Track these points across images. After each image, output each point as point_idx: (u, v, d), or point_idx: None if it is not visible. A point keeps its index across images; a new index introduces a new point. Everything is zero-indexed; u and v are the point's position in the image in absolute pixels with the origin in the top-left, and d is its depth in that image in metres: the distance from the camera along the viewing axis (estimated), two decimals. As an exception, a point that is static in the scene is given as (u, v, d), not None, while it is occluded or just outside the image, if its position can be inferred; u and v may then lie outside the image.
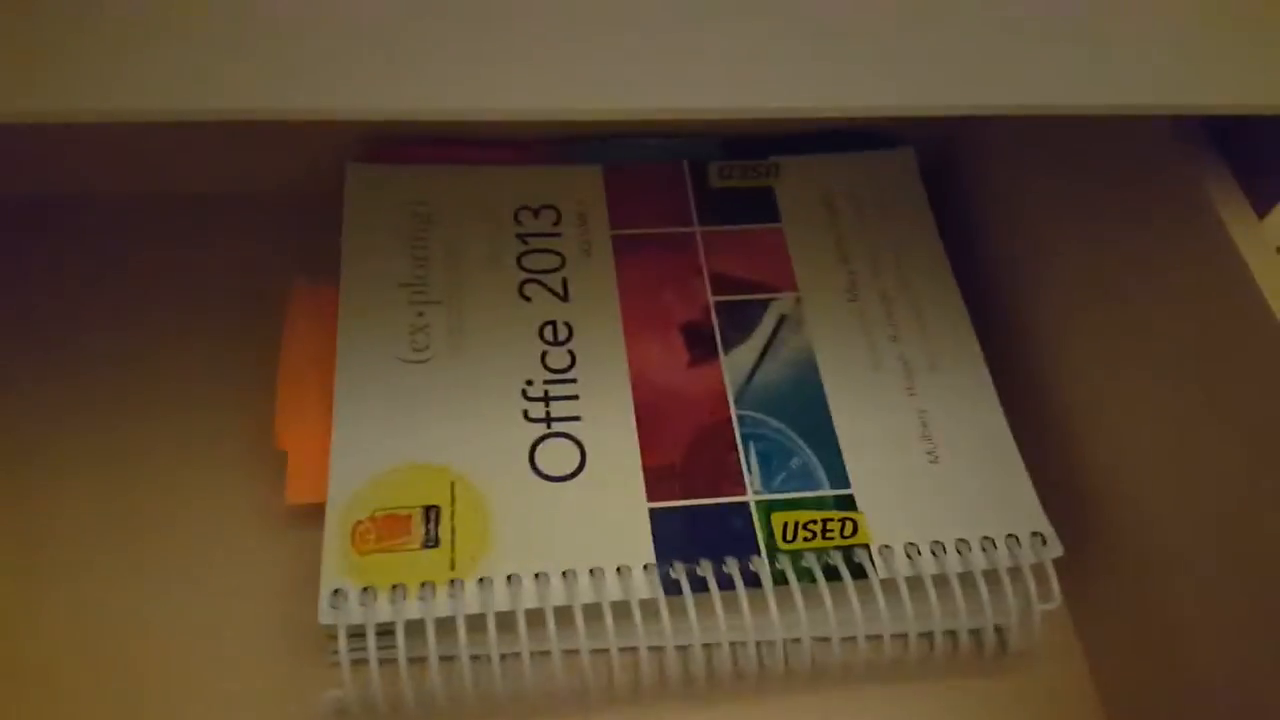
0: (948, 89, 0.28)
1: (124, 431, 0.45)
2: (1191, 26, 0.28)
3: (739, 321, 0.47)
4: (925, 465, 0.43)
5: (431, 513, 0.40)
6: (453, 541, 0.39)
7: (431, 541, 0.39)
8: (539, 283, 0.47)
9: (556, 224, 0.50)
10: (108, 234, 0.51)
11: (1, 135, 0.50)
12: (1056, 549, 0.41)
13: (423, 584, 0.38)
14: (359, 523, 0.40)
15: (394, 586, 0.38)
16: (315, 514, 0.41)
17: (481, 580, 0.38)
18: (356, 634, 0.38)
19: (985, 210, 0.52)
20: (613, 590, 0.38)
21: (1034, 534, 0.41)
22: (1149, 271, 0.39)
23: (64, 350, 0.47)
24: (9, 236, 0.51)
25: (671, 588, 0.39)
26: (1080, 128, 0.43)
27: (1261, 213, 0.36)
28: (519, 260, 0.48)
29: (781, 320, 0.47)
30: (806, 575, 0.39)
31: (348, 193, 0.49)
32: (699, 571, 0.39)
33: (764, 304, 0.47)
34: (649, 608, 0.38)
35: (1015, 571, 0.41)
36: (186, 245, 0.51)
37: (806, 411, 0.44)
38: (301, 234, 0.50)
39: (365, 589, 0.38)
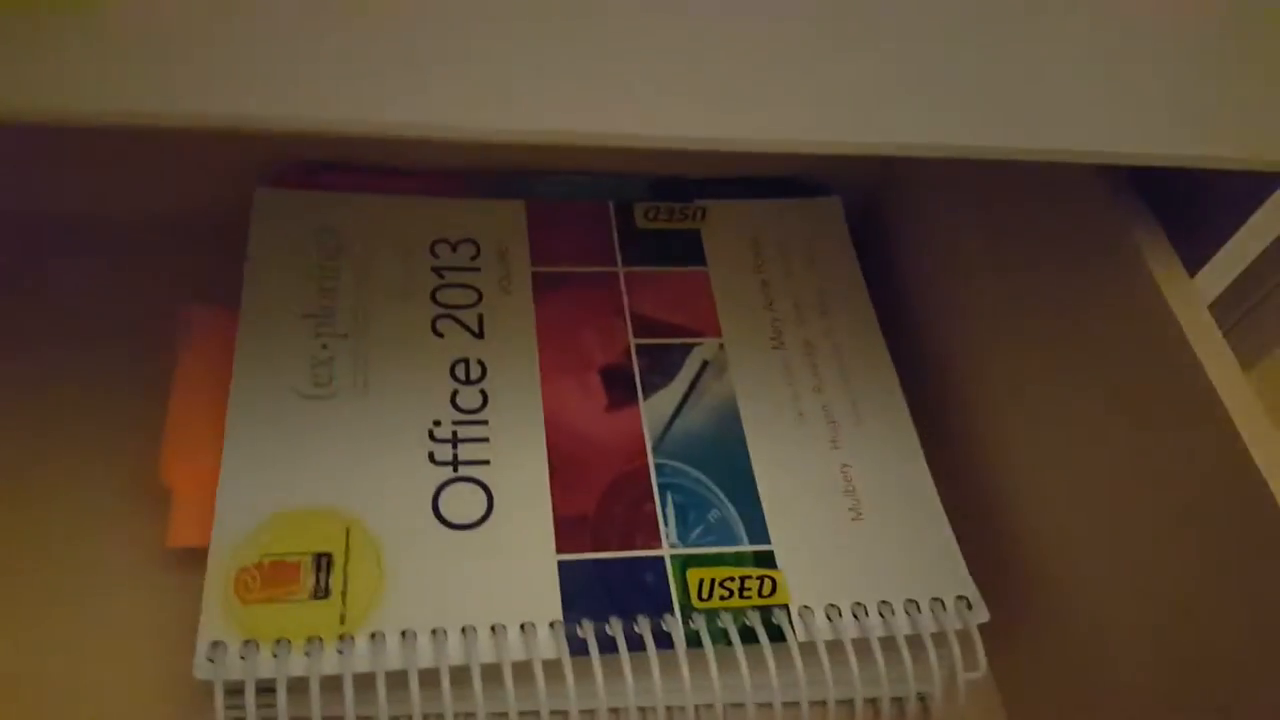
0: (867, 127, 0.27)
1: (1, 465, 0.42)
2: (1131, 74, 0.27)
3: (660, 365, 0.45)
4: (848, 522, 0.41)
5: (323, 560, 0.37)
6: (344, 592, 0.37)
7: (321, 592, 0.36)
8: (453, 318, 0.45)
9: (475, 258, 0.48)
10: None
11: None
12: (983, 614, 0.39)
13: (309, 638, 0.35)
14: (243, 569, 0.37)
15: (278, 640, 0.35)
16: (201, 558, 0.37)
17: (373, 635, 0.36)
18: (235, 690, 0.35)
19: (912, 260, 0.51)
20: (515, 649, 0.36)
21: (959, 598, 0.40)
22: (1079, 327, 0.38)
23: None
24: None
25: (578, 647, 0.36)
26: (1010, 179, 0.43)
27: (1193, 270, 0.35)
28: (433, 295, 0.46)
29: (704, 366, 0.45)
30: (722, 637, 0.37)
31: (254, 216, 0.47)
32: (608, 630, 0.37)
33: (687, 348, 0.46)
34: (553, 669, 0.36)
35: (940, 637, 0.39)
36: (77, 268, 0.48)
37: (727, 462, 0.42)
38: (202, 260, 0.47)
39: (247, 641, 0.35)
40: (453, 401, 0.42)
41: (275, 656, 0.35)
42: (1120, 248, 0.35)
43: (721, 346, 0.46)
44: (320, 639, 0.35)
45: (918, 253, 0.51)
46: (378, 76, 0.24)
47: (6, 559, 0.40)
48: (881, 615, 0.39)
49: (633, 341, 0.46)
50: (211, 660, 0.34)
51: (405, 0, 0.23)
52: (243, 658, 0.35)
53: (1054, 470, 0.40)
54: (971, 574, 0.40)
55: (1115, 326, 0.36)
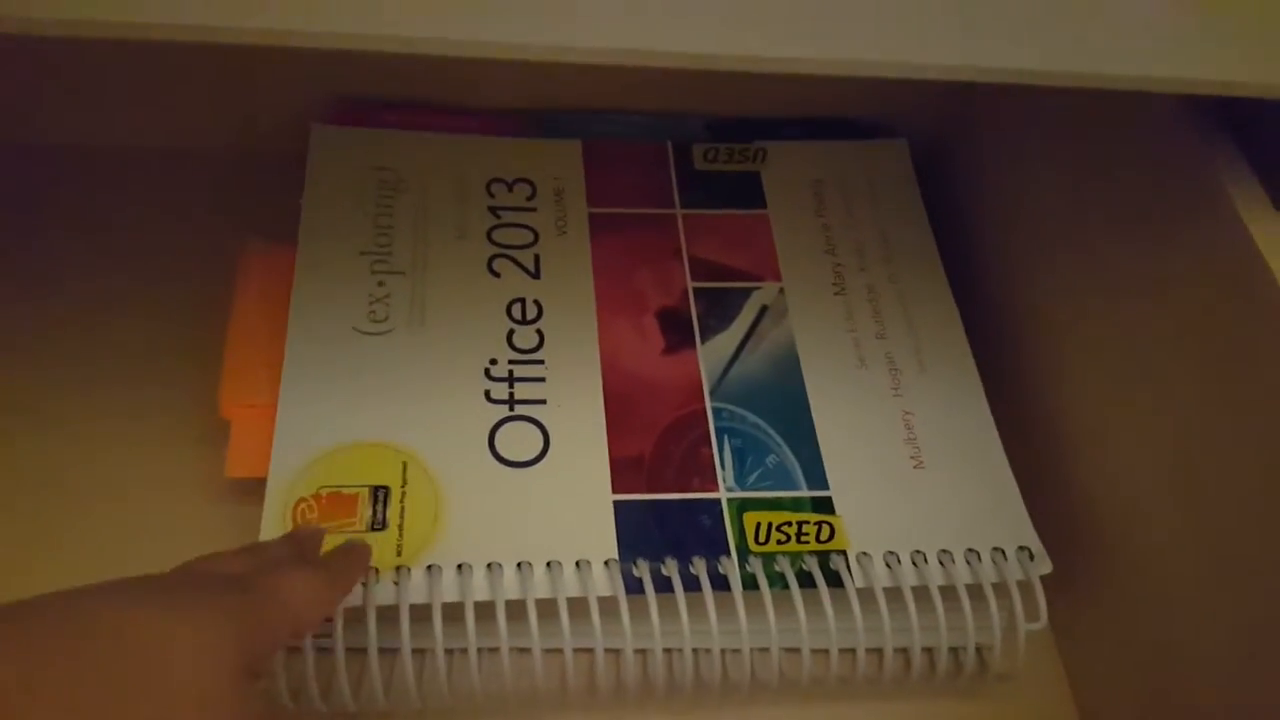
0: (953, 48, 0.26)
1: (61, 396, 0.42)
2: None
3: (718, 309, 0.44)
4: (909, 470, 0.41)
5: (380, 493, 0.37)
6: (401, 525, 0.36)
7: (379, 524, 0.36)
8: (509, 258, 0.45)
9: (531, 198, 0.47)
10: (51, 185, 0.48)
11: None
12: (1045, 565, 0.39)
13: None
14: (301, 500, 0.37)
15: None
16: (259, 489, 0.37)
17: (430, 568, 0.35)
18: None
19: (979, 205, 0.49)
20: (570, 585, 0.36)
21: (1021, 548, 0.39)
22: (1156, 270, 0.36)
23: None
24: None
25: (634, 586, 0.36)
26: (1084, 116, 0.41)
27: (1280, 207, 0.33)
28: (489, 234, 0.45)
29: (763, 310, 0.44)
30: (778, 580, 0.37)
31: (311, 153, 0.46)
32: (663, 570, 0.36)
33: (745, 292, 0.45)
34: (608, 606, 0.36)
35: (1000, 587, 0.38)
36: (137, 201, 0.48)
37: (786, 407, 0.42)
38: (260, 196, 0.46)
39: None
40: (509, 341, 0.42)
41: None
42: (1201, 182, 0.34)
43: (781, 291, 0.45)
44: (376, 570, 0.35)
45: (985, 197, 0.49)
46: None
47: (65, 490, 0.40)
48: (941, 564, 0.38)
49: (690, 285, 0.45)
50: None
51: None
52: None
53: (1124, 420, 0.38)
54: (1034, 524, 0.39)
55: (1196, 269, 0.34)
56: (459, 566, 0.36)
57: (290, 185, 0.45)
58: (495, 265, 0.44)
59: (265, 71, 0.47)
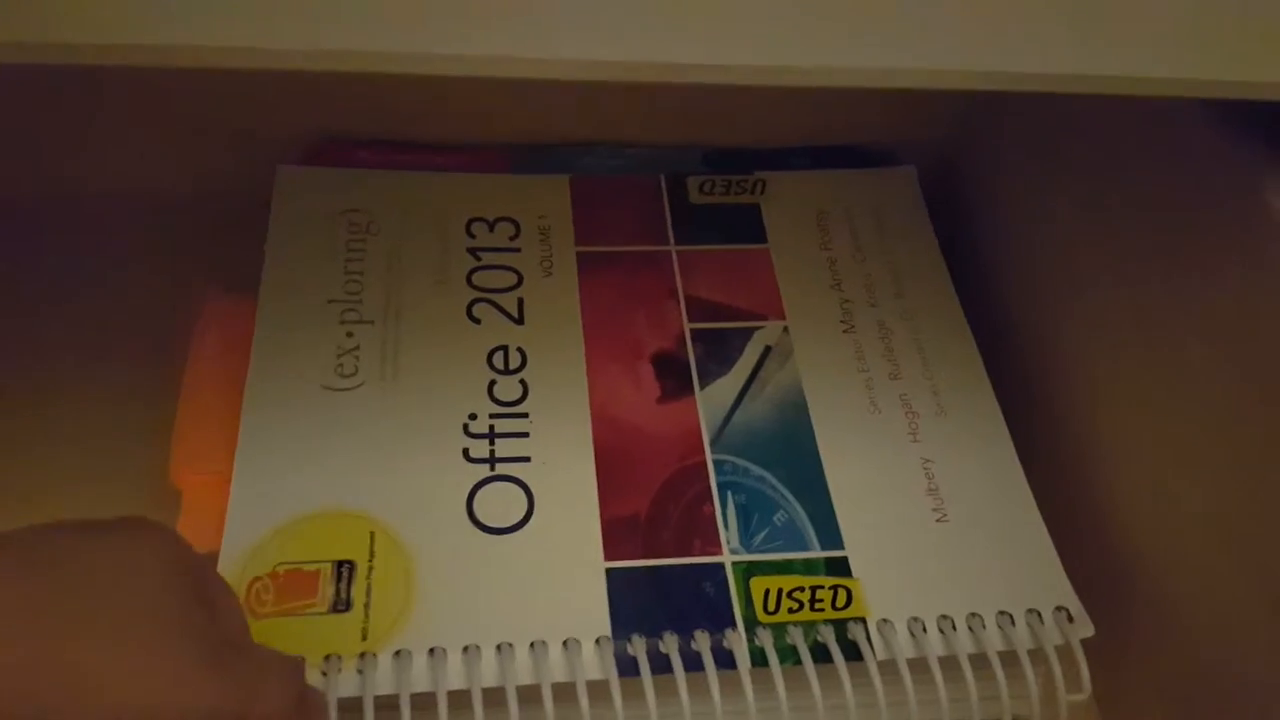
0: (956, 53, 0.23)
1: (6, 456, 0.40)
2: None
3: (718, 352, 0.41)
4: (931, 525, 0.38)
5: (344, 569, 0.34)
6: (367, 605, 0.33)
7: (342, 605, 0.33)
8: (491, 303, 0.42)
9: (514, 238, 0.44)
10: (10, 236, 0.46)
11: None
12: (1086, 628, 0.35)
13: (326, 656, 0.32)
14: (256, 579, 0.33)
15: None
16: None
17: (398, 653, 0.32)
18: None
19: (992, 234, 0.46)
20: (557, 669, 0.32)
21: (1058, 609, 0.36)
22: (1193, 294, 0.33)
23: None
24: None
25: (628, 666, 0.32)
26: (1103, 130, 0.38)
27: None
28: (469, 277, 0.42)
29: (766, 352, 0.41)
30: (790, 655, 0.34)
31: (276, 195, 0.44)
32: (662, 647, 0.33)
33: (747, 333, 0.42)
34: (599, 690, 0.32)
35: (1037, 654, 0.35)
36: (89, 250, 0.45)
37: (794, 458, 0.38)
38: (222, 242, 0.44)
39: None
40: (490, 393, 0.39)
41: None
42: (1239, 194, 0.31)
43: (785, 330, 0.42)
44: (339, 657, 0.32)
45: (998, 225, 0.46)
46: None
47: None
48: (971, 629, 0.35)
49: (687, 326, 0.42)
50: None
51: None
52: None
53: (1165, 461, 0.35)
54: (1070, 581, 0.36)
55: (1238, 290, 0.31)
56: (431, 651, 0.32)
57: (253, 233, 0.42)
58: (475, 311, 0.41)
59: (226, 108, 0.45)
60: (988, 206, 0.47)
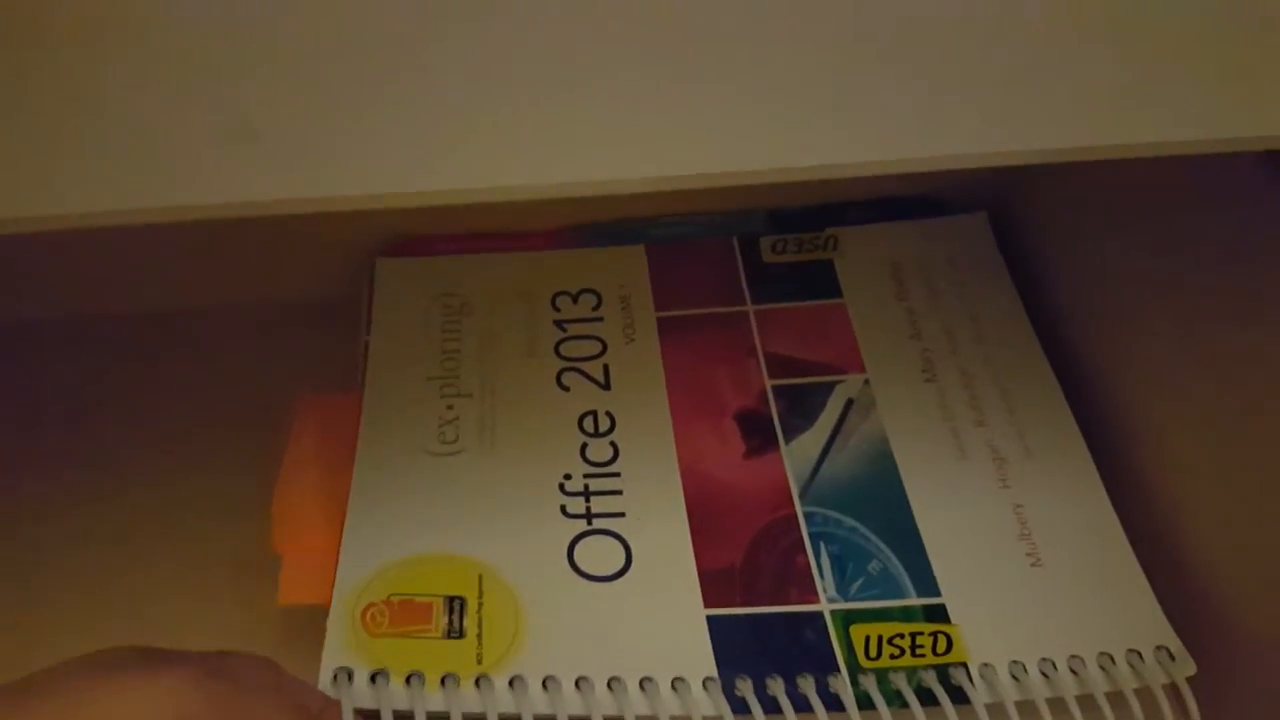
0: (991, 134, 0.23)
1: (116, 557, 0.41)
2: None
3: (800, 407, 0.42)
4: (1026, 569, 0.37)
5: (455, 603, 0.35)
6: (479, 634, 0.34)
7: (455, 632, 0.34)
8: (578, 370, 0.43)
9: (597, 308, 0.46)
10: (103, 354, 0.48)
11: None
12: (1189, 666, 0.35)
13: (445, 675, 0.33)
14: (371, 604, 0.35)
15: (410, 673, 0.33)
16: (314, 622, 0.35)
17: (513, 680, 0.33)
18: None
19: (1054, 281, 0.46)
20: (669, 704, 0.33)
21: (1159, 648, 0.35)
22: (1261, 335, 0.33)
23: (62, 468, 0.44)
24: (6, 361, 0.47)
25: (739, 706, 0.33)
26: (1160, 177, 0.38)
27: None
28: (556, 348, 0.44)
29: (849, 404, 0.42)
30: (896, 699, 0.33)
31: (376, 284, 0.46)
32: (768, 689, 0.33)
33: (828, 387, 0.43)
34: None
35: (1144, 693, 0.34)
36: (185, 362, 0.47)
37: (884, 508, 0.39)
38: (311, 344, 0.46)
39: (377, 672, 0.33)
40: (582, 454, 0.40)
41: (408, 687, 0.33)
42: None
43: (867, 383, 0.43)
44: (456, 676, 0.33)
45: (1058, 272, 0.46)
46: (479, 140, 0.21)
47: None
48: (1073, 671, 0.35)
49: (769, 383, 0.43)
50: (335, 686, 0.33)
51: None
52: (373, 682, 0.33)
53: (1241, 497, 0.35)
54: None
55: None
56: (545, 680, 0.33)
57: (344, 331, 0.45)
58: (564, 379, 0.43)
59: (295, 225, 0.47)
60: (1047, 251, 0.48)
